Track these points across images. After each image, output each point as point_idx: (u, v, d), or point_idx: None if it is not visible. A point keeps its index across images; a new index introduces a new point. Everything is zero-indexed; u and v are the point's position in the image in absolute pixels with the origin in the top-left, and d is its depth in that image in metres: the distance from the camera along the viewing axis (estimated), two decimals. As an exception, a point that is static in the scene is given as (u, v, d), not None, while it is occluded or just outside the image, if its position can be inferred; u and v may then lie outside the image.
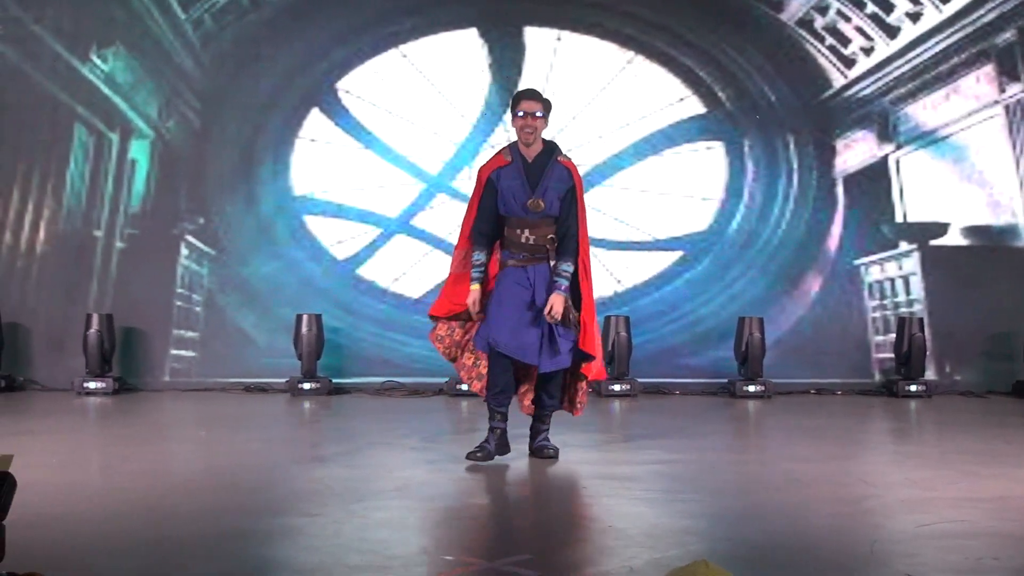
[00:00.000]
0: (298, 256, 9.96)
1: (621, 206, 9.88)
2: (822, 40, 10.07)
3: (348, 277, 9.96)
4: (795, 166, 10.06)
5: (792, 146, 10.07)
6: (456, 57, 10.01)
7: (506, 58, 10.00)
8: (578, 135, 9.75)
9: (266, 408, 8.84)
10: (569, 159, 6.25)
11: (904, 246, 10.05)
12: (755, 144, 10.04)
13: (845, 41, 10.07)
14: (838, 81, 10.08)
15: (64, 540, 4.45)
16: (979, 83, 9.99)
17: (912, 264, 10.02)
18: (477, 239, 6.20)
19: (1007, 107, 9.99)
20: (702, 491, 5.58)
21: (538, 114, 6.10)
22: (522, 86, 8.81)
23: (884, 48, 10.05)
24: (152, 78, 9.97)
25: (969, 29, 9.97)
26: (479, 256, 6.19)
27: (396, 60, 10.03)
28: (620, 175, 10.01)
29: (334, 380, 9.59)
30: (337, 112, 10.01)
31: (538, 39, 10.04)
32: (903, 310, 9.94)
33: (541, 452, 6.33)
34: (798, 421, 8.28)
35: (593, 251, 7.10)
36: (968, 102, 10.00)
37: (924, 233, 10.05)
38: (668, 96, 10.03)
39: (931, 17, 10.01)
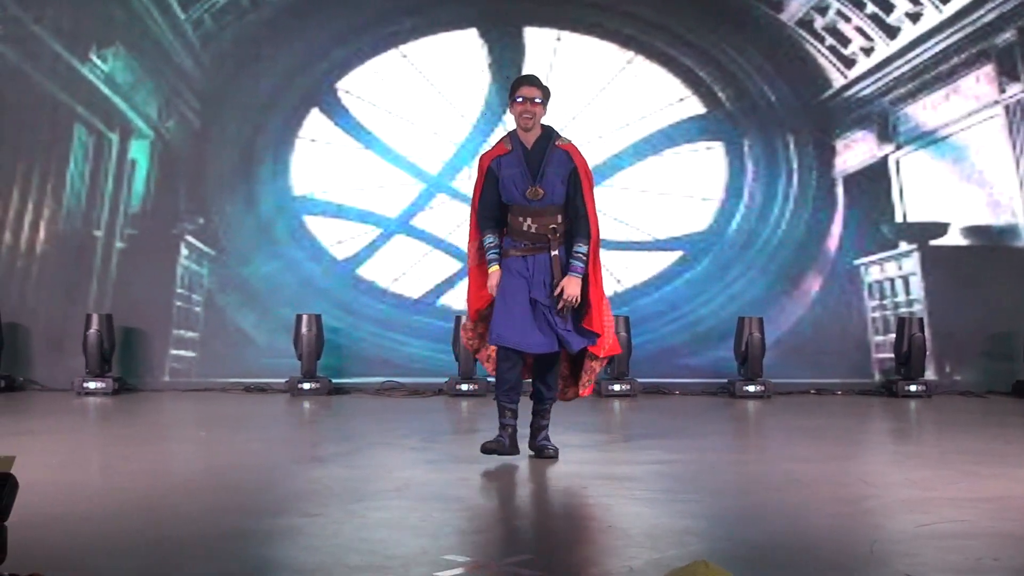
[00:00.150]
0: (298, 256, 9.96)
1: (621, 206, 9.87)
2: (822, 40, 10.07)
3: (348, 277, 9.96)
4: (795, 166, 10.06)
5: (792, 146, 10.07)
6: (456, 57, 10.01)
7: (506, 58, 10.00)
8: (578, 135, 9.65)
9: (266, 408, 8.84)
10: (569, 142, 6.22)
11: (904, 246, 10.05)
12: (755, 144, 10.04)
13: (845, 41, 10.07)
14: (838, 81, 10.08)
15: (64, 540, 4.45)
16: (979, 83, 9.99)
17: (912, 264, 10.02)
18: (484, 224, 6.19)
19: (1007, 107, 9.99)
20: (702, 491, 5.58)
21: (537, 100, 6.09)
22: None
23: (884, 48, 10.05)
24: (152, 78, 9.97)
25: (969, 29, 9.97)
26: (491, 239, 6.17)
27: (396, 60, 10.03)
28: (620, 175, 10.01)
29: (334, 380, 9.59)
30: (337, 112, 10.01)
31: (538, 39, 10.04)
32: (903, 310, 9.94)
33: (541, 452, 6.32)
34: (798, 421, 8.28)
35: (593, 251, 7.08)
36: (968, 102, 10.00)
37: (924, 233, 10.05)
38: (668, 96, 10.03)
39: (931, 17, 10.01)
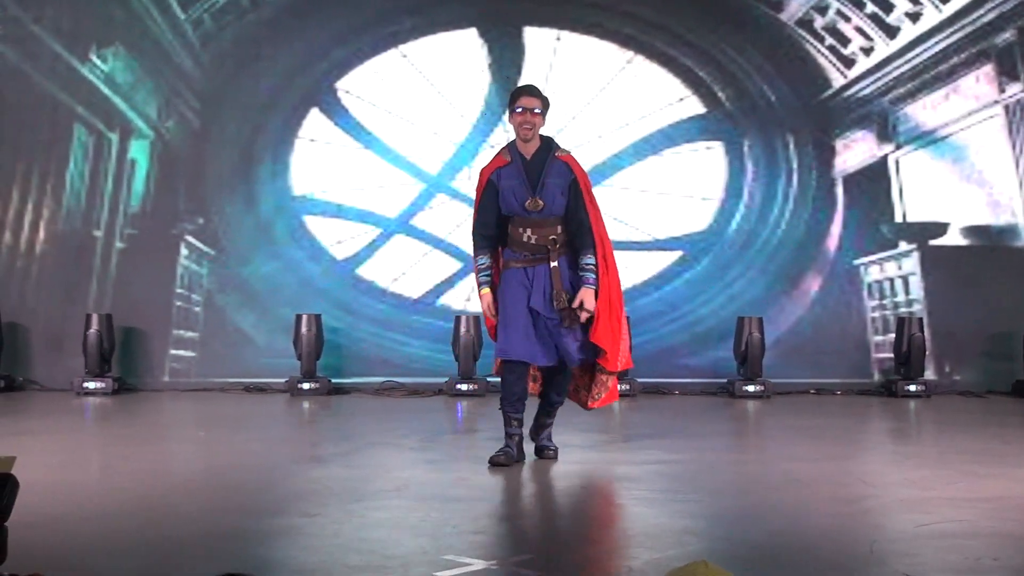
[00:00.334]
0: (298, 256, 9.96)
1: (621, 206, 9.87)
2: (822, 40, 10.07)
3: (348, 277, 9.96)
4: (795, 166, 10.06)
5: (792, 146, 10.07)
6: (456, 57, 10.01)
7: (506, 58, 10.00)
8: (578, 135, 9.74)
9: (266, 408, 8.84)
10: (568, 153, 6.20)
11: (904, 246, 10.05)
12: (755, 144, 10.04)
13: (845, 41, 10.07)
14: (838, 81, 10.08)
15: (64, 540, 4.46)
16: (979, 83, 9.99)
17: (912, 264, 10.02)
18: (479, 242, 6.16)
19: (1007, 107, 9.99)
20: (702, 491, 5.58)
21: (536, 110, 6.07)
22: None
23: (884, 48, 10.05)
24: (151, 78, 9.97)
25: (969, 29, 9.97)
26: (483, 260, 6.15)
27: (396, 60, 10.03)
28: (620, 175, 10.01)
29: (333, 380, 9.59)
30: (337, 112, 10.01)
31: (538, 39, 10.04)
32: (903, 310, 9.94)
33: (542, 452, 6.32)
34: (798, 421, 8.28)
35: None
36: (968, 102, 10.00)
37: (924, 233, 10.05)
38: (668, 96, 10.03)
39: (931, 17, 10.01)
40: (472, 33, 10.06)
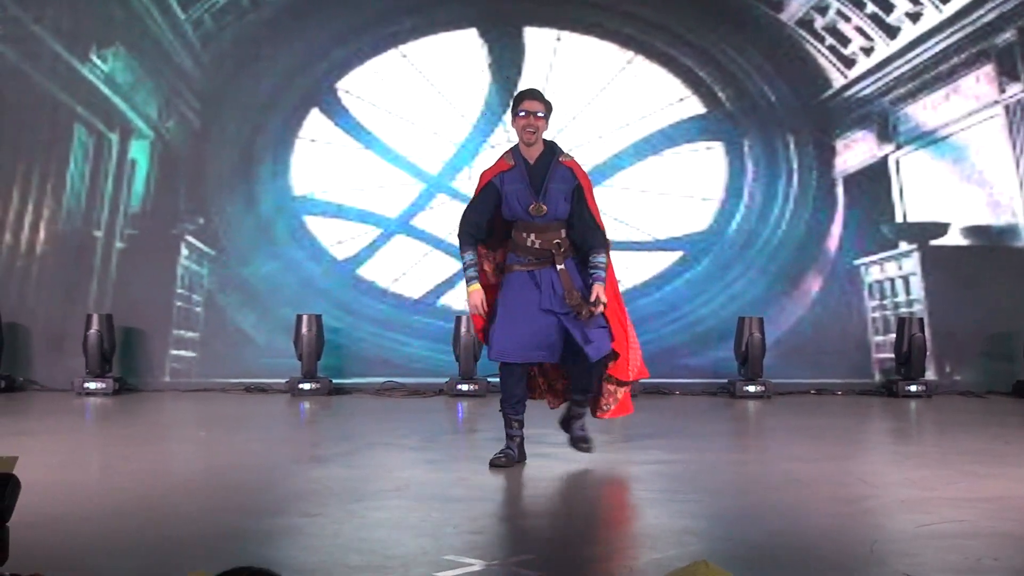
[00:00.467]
0: (298, 256, 9.96)
1: (621, 206, 9.87)
2: (822, 40, 10.06)
3: (348, 277, 9.96)
4: (795, 166, 10.06)
5: (792, 146, 10.07)
6: (456, 57, 10.01)
7: (506, 58, 9.99)
8: (578, 135, 9.74)
9: (266, 408, 8.84)
10: (571, 158, 6.20)
11: (904, 246, 10.05)
12: (755, 144, 10.04)
13: (845, 41, 10.07)
14: (838, 81, 10.07)
15: (65, 540, 4.46)
16: (979, 83, 9.99)
17: (912, 264, 10.02)
18: (466, 240, 6.10)
19: (1007, 107, 9.99)
20: (702, 491, 5.58)
21: (540, 114, 6.04)
22: (522, 86, 8.78)
23: (884, 48, 10.05)
24: (152, 78, 9.97)
25: (969, 29, 9.96)
26: (470, 256, 6.09)
27: (396, 60, 10.03)
28: (620, 175, 10.00)
29: (334, 380, 9.58)
30: (337, 112, 10.01)
31: (538, 39, 10.04)
32: (903, 310, 9.93)
33: (576, 444, 6.21)
34: (798, 421, 8.28)
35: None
36: (968, 102, 10.00)
37: (924, 233, 10.05)
38: (668, 96, 10.03)
39: (931, 17, 10.01)
40: (472, 33, 10.06)
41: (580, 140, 9.72)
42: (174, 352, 9.84)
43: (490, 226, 6.15)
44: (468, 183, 9.65)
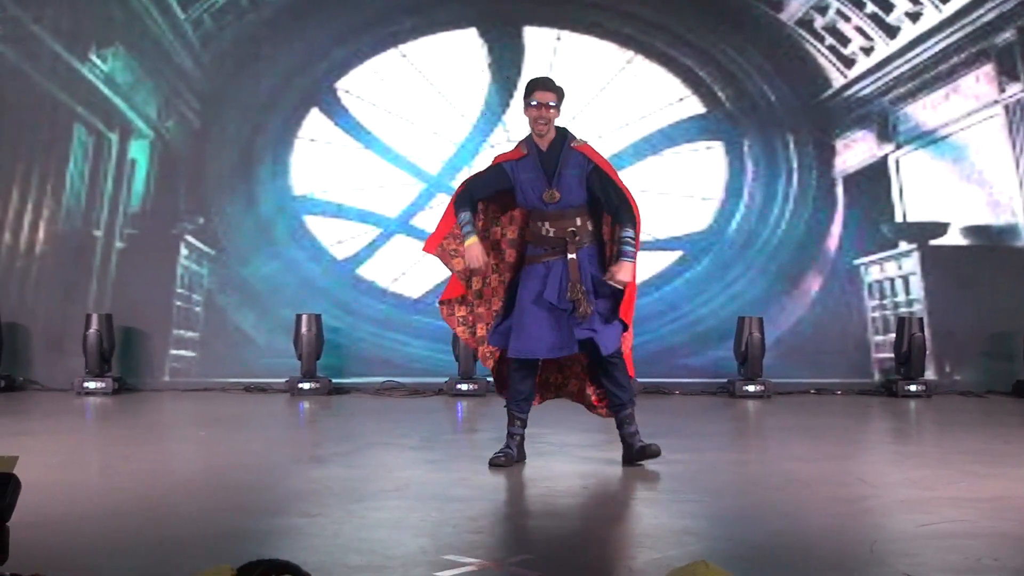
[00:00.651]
0: (298, 256, 9.96)
1: (621, 206, 9.85)
2: (822, 40, 10.06)
3: (348, 277, 9.96)
4: (795, 166, 10.06)
5: (792, 146, 10.06)
6: (456, 57, 10.01)
7: (506, 58, 9.99)
8: (578, 135, 9.69)
9: (266, 408, 8.84)
10: (584, 143, 6.16)
11: (904, 246, 10.04)
12: (755, 144, 10.04)
13: (845, 41, 10.07)
14: (838, 81, 10.07)
15: (64, 540, 4.45)
16: (979, 83, 9.99)
17: (912, 264, 10.02)
18: (463, 200, 6.04)
19: (1007, 107, 9.99)
20: (702, 491, 5.58)
21: (551, 104, 6.01)
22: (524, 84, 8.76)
23: (884, 48, 10.05)
24: (151, 78, 9.97)
25: (969, 29, 9.96)
26: (466, 214, 6.03)
27: (396, 60, 10.03)
28: (620, 175, 9.95)
29: (334, 380, 9.58)
30: (337, 112, 10.01)
31: (538, 39, 10.04)
32: (903, 310, 9.94)
33: (644, 453, 6.05)
34: (798, 421, 8.28)
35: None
36: (968, 102, 10.00)
37: (924, 233, 10.05)
38: (668, 96, 10.03)
39: (931, 17, 10.01)
40: (472, 33, 10.06)
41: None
42: (174, 352, 9.84)
43: (484, 207, 6.12)
44: (468, 183, 9.64)
